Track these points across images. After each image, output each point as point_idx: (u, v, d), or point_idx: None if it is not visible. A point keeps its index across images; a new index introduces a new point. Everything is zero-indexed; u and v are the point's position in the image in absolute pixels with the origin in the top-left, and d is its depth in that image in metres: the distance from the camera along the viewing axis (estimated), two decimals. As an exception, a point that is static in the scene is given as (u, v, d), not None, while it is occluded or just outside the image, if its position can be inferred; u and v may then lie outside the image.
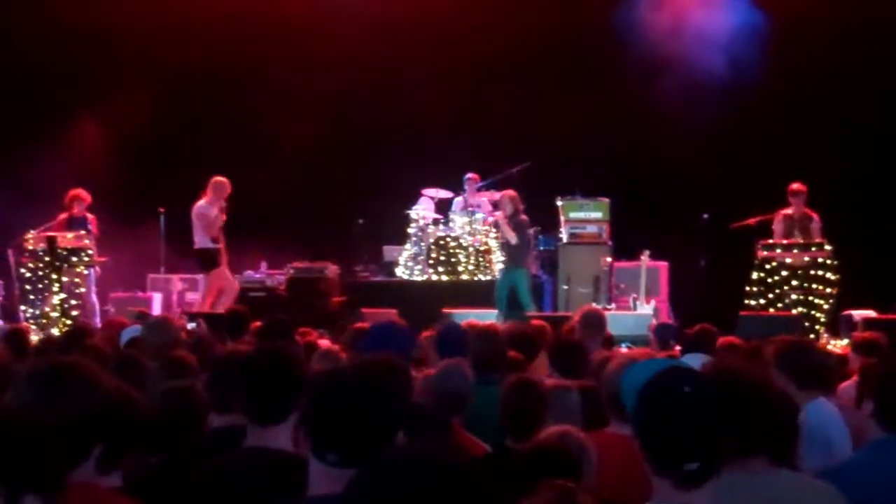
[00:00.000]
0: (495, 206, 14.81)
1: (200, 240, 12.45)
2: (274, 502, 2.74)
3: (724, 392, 2.79)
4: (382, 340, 4.63)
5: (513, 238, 12.66)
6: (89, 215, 12.87)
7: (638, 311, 12.40)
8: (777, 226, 12.65)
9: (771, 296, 12.27)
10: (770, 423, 2.99)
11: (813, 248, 12.30)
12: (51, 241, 12.48)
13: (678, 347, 7.52)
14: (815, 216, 12.57)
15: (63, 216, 12.81)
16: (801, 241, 12.39)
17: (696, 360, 3.56)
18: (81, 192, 12.87)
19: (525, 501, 2.13)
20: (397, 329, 5.00)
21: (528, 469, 3.38)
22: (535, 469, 3.34)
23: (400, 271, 14.37)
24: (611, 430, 4.09)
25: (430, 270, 13.97)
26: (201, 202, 12.40)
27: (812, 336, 11.42)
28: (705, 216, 13.59)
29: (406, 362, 4.41)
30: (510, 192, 13.09)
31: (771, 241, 12.52)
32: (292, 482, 2.74)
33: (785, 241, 12.46)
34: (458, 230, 14.04)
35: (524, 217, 12.88)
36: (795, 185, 12.51)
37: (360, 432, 2.57)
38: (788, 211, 12.62)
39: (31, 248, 12.65)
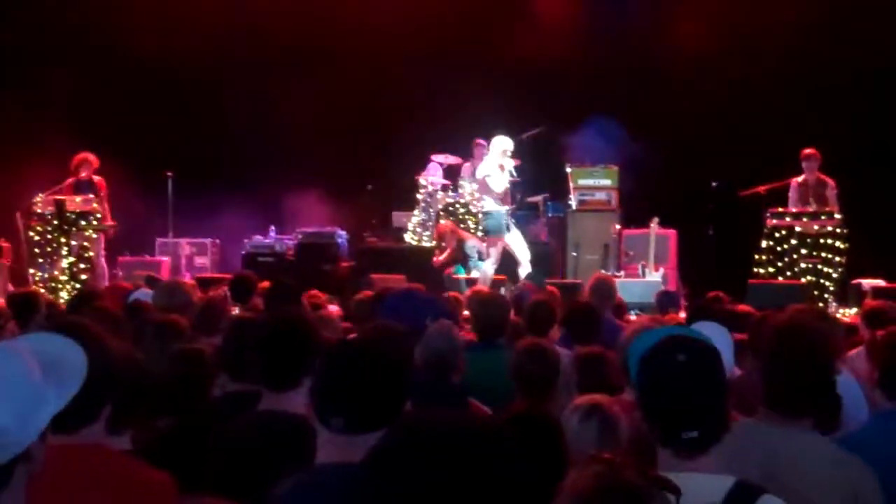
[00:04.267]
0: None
1: (487, 203, 12.38)
2: (286, 464, 2.75)
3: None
4: (400, 307, 4.62)
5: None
6: (96, 177, 12.83)
7: (646, 278, 12.39)
8: (792, 193, 12.54)
9: (780, 264, 12.24)
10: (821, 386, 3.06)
11: (823, 217, 12.24)
12: (59, 205, 12.48)
13: (682, 315, 7.51)
14: (831, 182, 12.43)
15: (70, 180, 12.77)
16: (813, 210, 12.31)
17: (708, 329, 3.53)
18: (89, 156, 12.80)
19: (571, 474, 2.14)
20: (416, 295, 4.97)
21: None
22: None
23: (408, 237, 14.35)
24: (626, 396, 4.07)
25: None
26: (481, 164, 12.17)
27: (821, 304, 11.40)
28: (714, 184, 13.54)
29: (421, 329, 4.38)
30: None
31: (781, 208, 12.46)
32: (303, 444, 2.76)
33: (795, 210, 12.41)
34: (466, 196, 14.01)
35: None
36: (808, 151, 12.39)
37: (366, 397, 2.57)
38: (802, 178, 12.52)
39: (39, 211, 12.63)
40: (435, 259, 13.20)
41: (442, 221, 13.64)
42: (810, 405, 3.06)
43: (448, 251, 13.17)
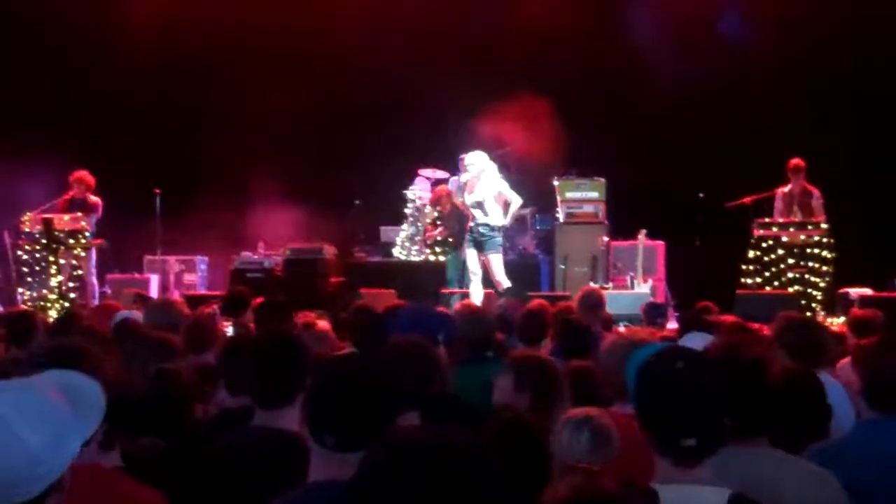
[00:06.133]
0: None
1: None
2: (277, 481, 2.75)
3: (725, 371, 2.84)
4: (414, 322, 4.61)
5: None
6: (92, 197, 12.76)
7: (635, 290, 12.40)
8: (777, 203, 12.66)
9: (767, 274, 12.29)
10: (769, 403, 3.04)
11: (809, 227, 12.31)
12: (47, 223, 12.45)
13: (672, 325, 7.53)
14: (816, 191, 12.53)
15: (67, 196, 12.72)
16: (799, 219, 12.39)
17: (696, 340, 3.56)
18: (84, 175, 12.75)
19: (551, 485, 2.14)
20: (428, 312, 4.97)
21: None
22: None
23: (397, 252, 14.37)
24: (615, 409, 4.08)
25: (427, 251, 13.97)
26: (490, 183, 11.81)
27: (808, 314, 11.44)
28: (701, 195, 13.59)
29: (434, 344, 4.36)
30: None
31: (768, 219, 12.53)
32: (294, 460, 2.75)
33: (781, 220, 12.48)
34: (455, 210, 14.03)
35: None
36: (794, 161, 12.50)
37: (359, 415, 2.57)
38: (787, 188, 12.61)
39: (27, 230, 12.61)
40: (427, 234, 13.14)
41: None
42: (761, 423, 3.07)
43: (442, 229, 13.15)
